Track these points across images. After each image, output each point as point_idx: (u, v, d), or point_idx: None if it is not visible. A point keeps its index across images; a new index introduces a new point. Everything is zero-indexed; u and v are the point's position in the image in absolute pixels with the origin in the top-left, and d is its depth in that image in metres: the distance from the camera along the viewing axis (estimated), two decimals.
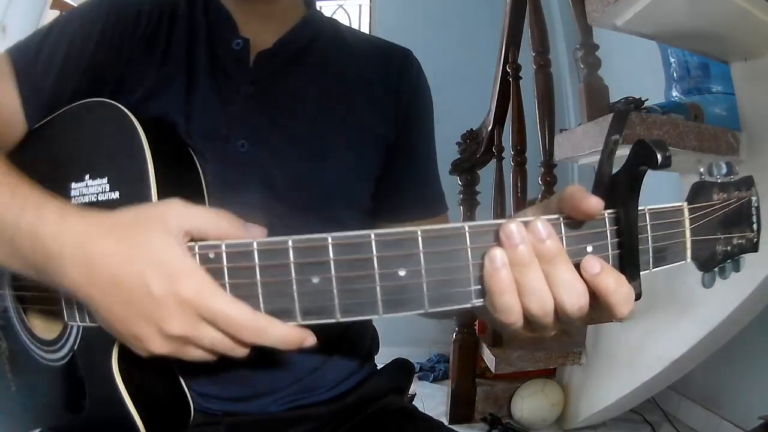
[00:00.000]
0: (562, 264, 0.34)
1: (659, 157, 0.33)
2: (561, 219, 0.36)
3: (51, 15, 2.77)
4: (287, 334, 0.37)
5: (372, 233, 0.35)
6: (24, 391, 0.55)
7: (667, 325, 1.48)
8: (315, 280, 0.35)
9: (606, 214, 0.36)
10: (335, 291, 0.35)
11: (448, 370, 2.19)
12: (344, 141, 0.61)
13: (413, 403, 0.70)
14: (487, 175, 2.27)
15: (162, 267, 0.36)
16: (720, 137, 1.25)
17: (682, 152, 1.22)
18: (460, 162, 2.24)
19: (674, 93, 1.68)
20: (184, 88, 0.57)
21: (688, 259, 0.39)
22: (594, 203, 0.34)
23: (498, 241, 0.34)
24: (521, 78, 2.03)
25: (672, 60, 1.68)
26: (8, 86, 0.54)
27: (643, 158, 0.34)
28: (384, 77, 0.66)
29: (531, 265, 0.34)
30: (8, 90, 0.54)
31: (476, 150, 2.24)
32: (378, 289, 0.35)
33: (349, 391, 0.63)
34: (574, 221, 0.36)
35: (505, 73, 2.08)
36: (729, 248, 0.40)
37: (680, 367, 1.52)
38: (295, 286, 0.36)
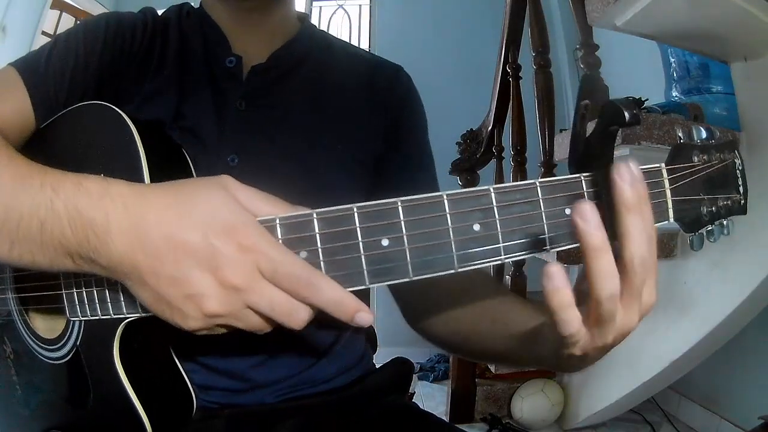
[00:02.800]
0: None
1: (627, 114, 0.34)
2: (537, 183, 0.37)
3: (51, 15, 2.77)
4: (343, 296, 0.36)
5: (354, 206, 0.36)
6: (31, 392, 0.56)
7: (667, 325, 1.48)
8: (303, 254, 0.36)
9: (582, 178, 0.37)
10: (322, 264, 0.36)
11: (448, 370, 2.19)
12: (333, 157, 0.62)
13: (413, 401, 0.70)
14: (487, 175, 2.27)
15: (222, 220, 0.36)
16: None
17: None
18: (460, 162, 2.24)
19: (674, 93, 1.68)
20: (176, 102, 0.59)
21: (671, 219, 0.39)
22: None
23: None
24: (521, 78, 2.03)
25: (672, 60, 1.68)
26: (22, 97, 0.55)
27: (613, 118, 0.35)
28: (372, 94, 0.67)
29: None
30: (22, 100, 0.55)
31: (476, 150, 2.24)
32: (363, 259, 0.36)
33: (347, 386, 0.64)
34: (550, 185, 0.37)
35: (505, 73, 2.09)
36: (715, 209, 0.40)
37: (680, 367, 1.53)
38: None
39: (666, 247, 1.42)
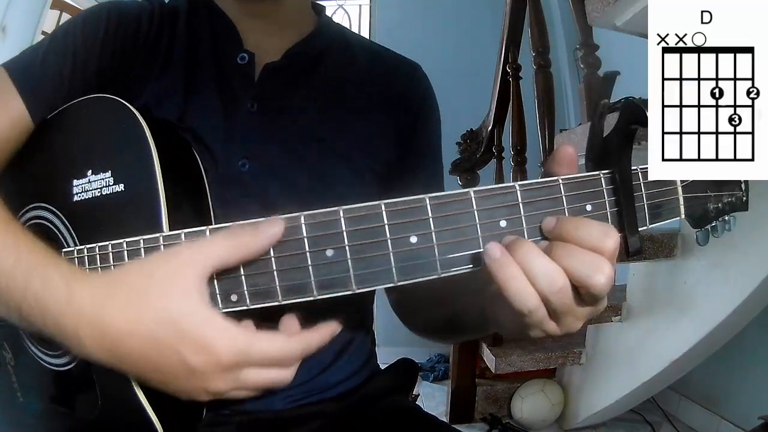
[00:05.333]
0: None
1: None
2: (560, 180, 0.37)
3: (51, 15, 2.77)
4: (320, 338, 0.41)
5: (382, 203, 0.36)
6: (33, 399, 0.55)
7: (667, 325, 1.48)
8: (330, 252, 0.36)
9: (602, 175, 0.38)
10: (349, 262, 0.36)
11: (448, 370, 2.19)
12: (348, 165, 0.60)
13: (416, 403, 0.70)
14: (487, 175, 2.27)
15: (193, 339, 0.36)
16: None
17: None
18: (460, 162, 2.25)
19: None
20: (183, 102, 0.56)
21: (682, 215, 0.41)
22: (567, 147, 0.38)
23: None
24: (521, 78, 2.03)
25: None
26: (16, 105, 0.52)
27: (634, 118, 0.37)
28: (389, 98, 0.64)
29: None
30: (16, 109, 0.52)
31: (476, 150, 2.24)
32: (391, 256, 0.36)
33: (354, 389, 0.63)
34: (572, 182, 0.37)
35: (505, 73, 2.08)
36: (720, 206, 0.42)
37: (680, 367, 1.52)
38: (309, 260, 0.37)
39: (666, 247, 1.42)
